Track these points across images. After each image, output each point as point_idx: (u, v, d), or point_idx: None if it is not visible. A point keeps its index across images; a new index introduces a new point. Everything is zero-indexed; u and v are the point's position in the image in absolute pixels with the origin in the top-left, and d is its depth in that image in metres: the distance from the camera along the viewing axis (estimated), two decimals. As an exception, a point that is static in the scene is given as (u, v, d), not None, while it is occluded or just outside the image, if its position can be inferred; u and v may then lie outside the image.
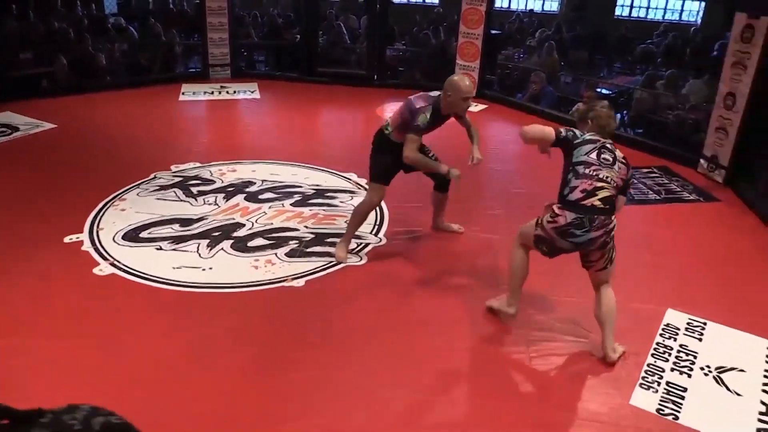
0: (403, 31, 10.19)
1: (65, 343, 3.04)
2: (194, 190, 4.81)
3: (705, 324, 3.41)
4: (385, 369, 2.97)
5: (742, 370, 3.07)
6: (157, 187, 4.83)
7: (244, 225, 4.27)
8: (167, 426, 2.53)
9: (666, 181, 5.42)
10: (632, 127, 7.17)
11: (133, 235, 4.10)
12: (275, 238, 4.11)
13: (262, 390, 2.80)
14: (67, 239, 4.02)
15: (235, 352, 3.05)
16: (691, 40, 10.70)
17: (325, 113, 7.51)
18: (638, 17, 14.46)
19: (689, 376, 3.01)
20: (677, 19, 14.29)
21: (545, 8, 14.63)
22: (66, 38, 8.03)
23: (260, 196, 4.72)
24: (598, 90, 7.70)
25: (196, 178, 5.03)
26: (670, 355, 3.15)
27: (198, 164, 5.30)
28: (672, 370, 3.04)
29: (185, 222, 4.29)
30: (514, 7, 14.35)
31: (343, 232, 4.08)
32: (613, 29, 11.91)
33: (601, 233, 2.91)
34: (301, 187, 4.91)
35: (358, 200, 4.67)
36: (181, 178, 5.01)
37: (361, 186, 4.96)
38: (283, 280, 3.65)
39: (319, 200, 4.70)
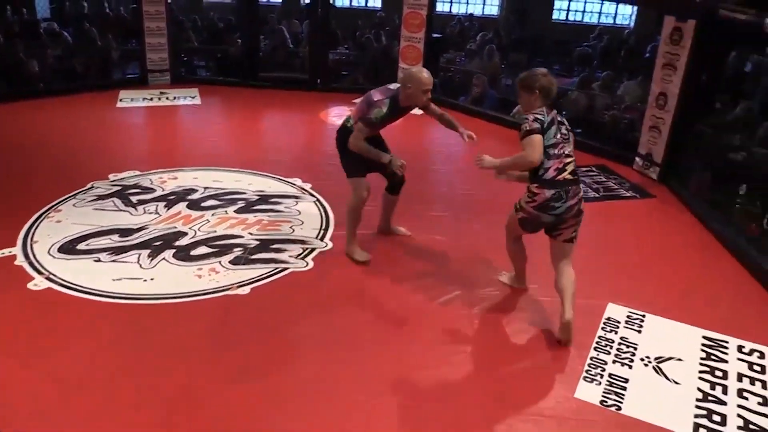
0: (346, 35, 10.19)
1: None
2: (134, 199, 4.68)
3: (644, 316, 3.52)
4: (333, 375, 2.95)
5: (679, 359, 3.18)
6: (95, 197, 4.68)
7: (186, 233, 4.18)
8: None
9: (604, 179, 5.58)
10: (570, 127, 7.33)
11: (69, 248, 3.96)
12: (219, 246, 4.03)
13: (206, 402, 2.74)
14: (-2, 253, 3.85)
15: (179, 364, 2.97)
16: (624, 42, 11.06)
17: (268, 118, 7.43)
18: (575, 21, 14.86)
19: (630, 367, 3.10)
20: (612, 22, 14.75)
21: (485, 12, 14.87)
22: (-6, 44, 7.70)
23: (203, 204, 4.63)
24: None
25: (135, 186, 4.90)
26: (611, 348, 3.24)
27: (137, 172, 5.16)
28: (614, 362, 3.13)
29: (125, 232, 4.17)
30: (455, 11, 14.53)
31: (289, 237, 4.05)
32: (551, 33, 12.21)
33: (576, 201, 3.25)
34: (244, 193, 4.84)
35: (303, 205, 4.66)
36: (119, 187, 4.87)
37: (306, 191, 4.93)
38: (228, 289, 3.58)
39: (264, 206, 4.64)
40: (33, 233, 4.11)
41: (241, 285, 3.62)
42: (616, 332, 3.37)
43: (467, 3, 14.81)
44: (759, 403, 2.89)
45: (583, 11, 14.95)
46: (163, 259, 3.87)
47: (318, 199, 4.79)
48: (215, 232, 4.22)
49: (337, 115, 7.16)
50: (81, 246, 3.98)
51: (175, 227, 4.26)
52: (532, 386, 2.97)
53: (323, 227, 4.36)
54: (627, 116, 6.65)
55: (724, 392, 2.96)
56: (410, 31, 7.71)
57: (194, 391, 2.80)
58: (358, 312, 3.49)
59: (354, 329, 3.32)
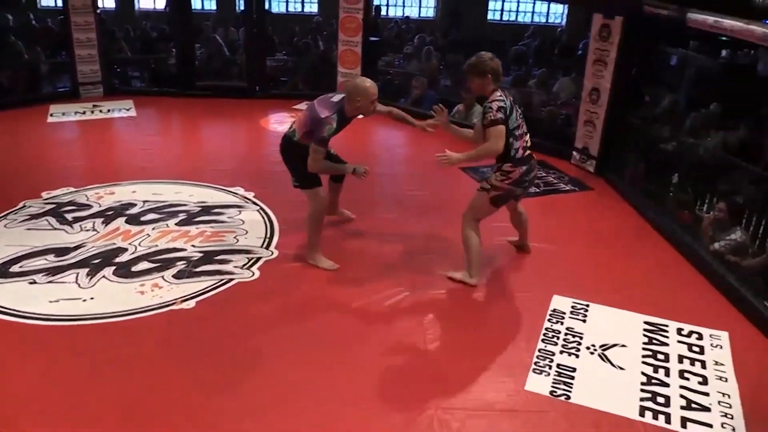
0: (283, 41, 10.11)
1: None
2: (69, 216, 4.51)
3: (588, 306, 3.61)
4: (286, 385, 2.92)
5: (623, 346, 3.28)
6: (27, 217, 4.49)
7: (126, 249, 4.06)
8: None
9: (544, 174, 5.70)
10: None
11: (2, 271, 3.78)
12: (161, 261, 3.93)
13: (156, 420, 2.66)
14: None
15: (124, 383, 2.88)
16: (557, 40, 11.37)
17: (207, 128, 7.29)
18: (509, 21, 15.19)
19: (577, 356, 3.18)
20: (544, 21, 15.14)
21: (422, 15, 15.03)
22: None
23: (142, 218, 4.50)
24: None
25: (70, 204, 4.73)
26: (558, 338, 3.31)
27: (72, 189, 4.98)
28: (561, 352, 3.20)
29: (61, 251, 4.02)
30: (391, 14, 14.63)
31: (233, 248, 4.00)
32: (488, 33, 12.44)
33: (537, 170, 3.80)
34: (185, 205, 4.74)
35: (246, 214, 4.60)
36: (53, 205, 4.69)
37: (249, 199, 4.86)
38: (172, 303, 3.49)
39: (206, 217, 4.55)
40: (-39, 258, 3.91)
41: (185, 299, 3.54)
42: (562, 323, 3.45)
43: (403, 6, 14.94)
44: (699, 383, 3.01)
45: (517, 11, 15.30)
46: (103, 277, 3.75)
47: (261, 208, 4.73)
48: (157, 246, 4.12)
49: (278, 121, 7.10)
50: (14, 268, 3.81)
51: (114, 243, 4.14)
52: (483, 381, 3.00)
53: (268, 236, 4.31)
54: (563, 112, 6.83)
55: (667, 374, 3.06)
56: (347, 35, 7.71)
57: (141, 408, 2.71)
58: (309, 317, 3.46)
59: (306, 334, 3.29)
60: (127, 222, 4.44)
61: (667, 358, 3.18)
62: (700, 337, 3.36)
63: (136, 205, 4.71)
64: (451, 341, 3.28)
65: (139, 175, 5.30)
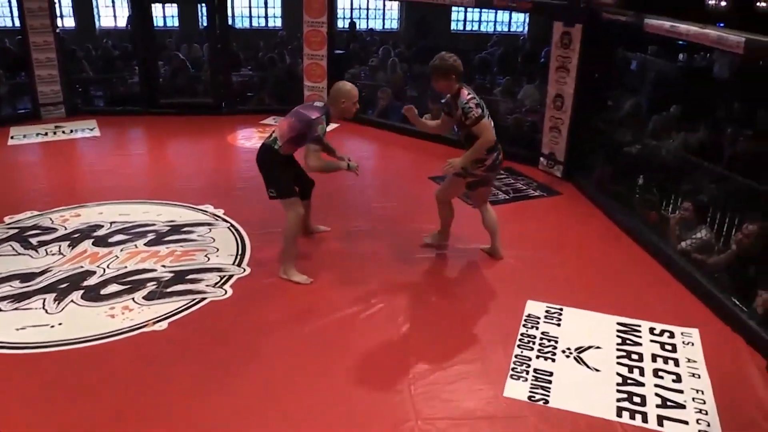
0: (248, 56, 10.07)
1: None
2: (34, 241, 4.40)
3: (561, 309, 3.65)
4: (261, 403, 2.88)
5: (598, 347, 3.32)
6: (-10, 243, 4.38)
7: (94, 272, 3.97)
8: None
9: (512, 181, 5.77)
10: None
11: (-36, 299, 3.68)
12: (131, 282, 3.86)
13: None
14: None
15: (96, 410, 2.81)
16: (521, 48, 11.54)
17: (173, 146, 7.21)
18: (472, 30, 15.39)
19: (553, 360, 3.20)
20: (507, 30, 15.37)
21: (386, 26, 15.13)
22: None
23: (110, 240, 4.42)
24: (443, 101, 8.05)
25: (34, 228, 4.61)
26: (534, 343, 3.33)
27: (36, 212, 4.87)
28: (537, 357, 3.22)
29: (26, 277, 3.91)
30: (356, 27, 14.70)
31: (204, 266, 3.96)
32: (452, 43, 12.57)
33: (503, 155, 4.02)
34: (154, 225, 4.66)
35: (217, 232, 4.55)
36: (17, 230, 4.57)
37: (219, 217, 4.81)
38: (144, 326, 3.43)
39: (176, 236, 4.48)
40: None
41: (157, 320, 3.47)
42: (537, 328, 3.47)
43: (367, 18, 15.02)
44: (673, 381, 3.05)
45: (480, 21, 15.51)
46: (71, 301, 3.66)
47: (232, 225, 4.68)
48: (126, 267, 4.04)
49: (246, 137, 7.06)
50: (-23, 296, 3.71)
51: (82, 267, 4.05)
52: (462, 389, 3.00)
53: (239, 253, 4.27)
54: (529, 119, 6.92)
55: (641, 374, 3.10)
56: (312, 49, 7.71)
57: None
58: (284, 333, 3.42)
59: (281, 350, 3.26)
60: (94, 244, 4.35)
61: (641, 358, 3.22)
62: (672, 335, 3.42)
63: (103, 226, 4.62)
64: (428, 350, 3.28)
65: (105, 195, 5.20)
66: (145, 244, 4.35)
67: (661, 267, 4.21)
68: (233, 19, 12.05)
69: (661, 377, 3.08)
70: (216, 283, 3.87)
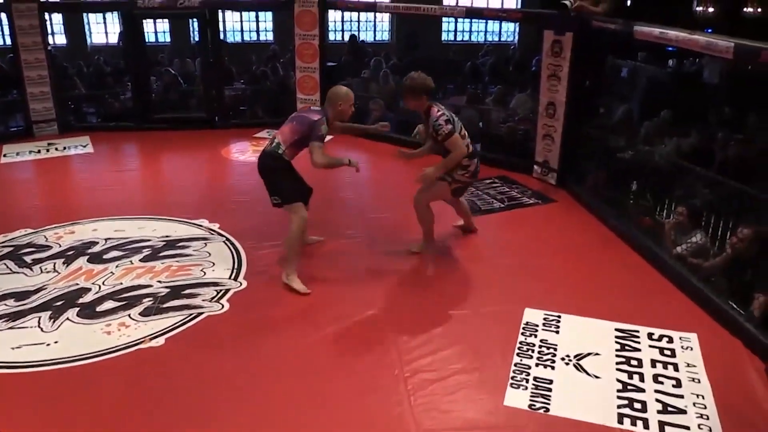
0: (240, 70, 10.08)
1: None
2: (28, 259, 4.38)
3: (559, 317, 3.64)
4: (262, 417, 2.86)
5: (597, 354, 3.31)
6: (-17, 262, 4.35)
7: (90, 289, 3.95)
8: None
9: (507, 189, 5.78)
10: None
11: (-42, 319, 3.65)
12: (127, 299, 3.84)
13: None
14: None
15: (94, 428, 2.78)
16: (511, 57, 11.60)
17: (167, 161, 7.20)
18: (463, 41, 15.47)
19: (553, 368, 3.19)
20: (497, 40, 15.46)
21: (377, 38, 15.19)
22: None
23: (105, 256, 4.40)
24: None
25: (28, 245, 4.59)
26: (533, 351, 3.32)
27: (30, 230, 4.84)
28: (537, 365, 3.21)
29: (21, 295, 3.89)
30: (347, 38, 14.75)
31: (201, 281, 3.95)
32: (443, 53, 12.64)
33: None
34: (149, 240, 4.64)
35: (212, 246, 4.53)
36: (11, 248, 4.54)
37: (214, 231, 4.79)
38: (141, 342, 3.40)
39: (171, 251, 4.46)
40: None
41: (154, 336, 3.45)
42: (535, 336, 3.47)
43: (359, 30, 15.08)
44: (673, 386, 3.05)
45: (470, 31, 15.60)
46: (67, 319, 3.64)
47: (228, 239, 4.67)
48: (121, 284, 4.02)
49: (240, 150, 7.05)
50: (-28, 316, 3.68)
51: (77, 284, 4.03)
52: (463, 400, 2.99)
53: (236, 267, 4.25)
54: (522, 127, 6.94)
55: (641, 380, 3.10)
56: (305, 62, 7.74)
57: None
58: (282, 347, 3.41)
59: (280, 364, 3.24)
60: (89, 261, 4.33)
61: (640, 364, 3.22)
62: (671, 340, 3.42)
63: (97, 243, 4.60)
64: (426, 362, 3.26)
65: (99, 212, 5.19)
66: (140, 260, 4.34)
67: (657, 272, 4.21)
68: (225, 34, 12.06)
69: (661, 382, 3.08)
70: (213, 298, 3.85)
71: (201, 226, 4.91)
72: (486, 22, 15.23)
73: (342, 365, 3.25)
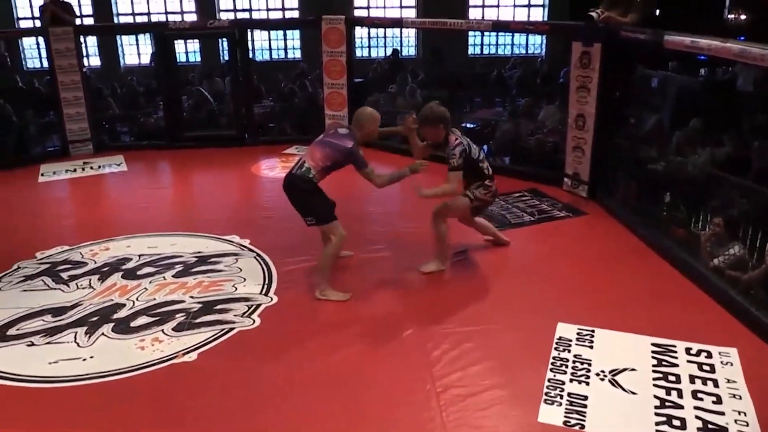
0: (269, 88, 10.22)
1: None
2: (65, 275, 4.47)
3: (593, 331, 3.58)
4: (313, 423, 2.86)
5: (633, 370, 3.24)
6: (22, 278, 4.44)
7: (124, 305, 4.01)
8: None
9: (537, 202, 5.73)
10: (498, 155, 7.59)
11: (-2, 335, 3.73)
12: (160, 314, 3.88)
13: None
14: None
15: (129, 443, 2.82)
16: (539, 70, 11.56)
17: (199, 178, 7.31)
18: (490, 54, 15.47)
19: (587, 384, 3.13)
20: (524, 53, 15.43)
21: (404, 54, 15.27)
22: None
23: (139, 272, 4.47)
24: (463, 124, 8.09)
25: (65, 262, 4.69)
26: (566, 366, 3.27)
27: (66, 247, 4.95)
28: (571, 381, 3.16)
29: (58, 311, 3.96)
30: (374, 55, 14.88)
31: (232, 296, 4.00)
32: (469, 67, 12.65)
33: None
34: (182, 256, 4.71)
35: (243, 262, 4.57)
36: (48, 265, 4.65)
37: (245, 247, 4.84)
38: (174, 357, 3.44)
39: (203, 267, 4.52)
40: (-44, 325, 3.85)
41: (187, 351, 3.49)
42: (569, 351, 3.41)
43: (385, 47, 15.19)
44: (713, 402, 2.96)
45: (497, 44, 15.60)
46: (102, 334, 3.70)
47: (258, 254, 4.70)
48: (155, 299, 4.07)
49: (269, 167, 7.12)
50: (11, 331, 3.75)
51: (112, 300, 4.09)
52: (495, 415, 2.95)
53: (266, 282, 4.28)
54: (550, 139, 6.89)
55: (680, 396, 3.02)
56: (332, 78, 7.81)
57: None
58: (314, 362, 3.40)
59: (312, 379, 3.24)
60: (123, 277, 4.40)
61: (678, 380, 3.14)
62: (710, 355, 3.33)
63: (131, 259, 4.68)
64: (458, 377, 3.23)
65: (133, 229, 5.28)
66: (173, 276, 4.39)
67: (693, 285, 4.12)
68: (253, 53, 12.27)
69: (701, 399, 2.99)
70: (244, 313, 3.88)
71: (232, 242, 4.96)
72: (512, 35, 15.21)
73: (372, 380, 3.24)
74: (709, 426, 2.81)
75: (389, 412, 3.00)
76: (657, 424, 2.84)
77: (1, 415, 3.04)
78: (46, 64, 8.26)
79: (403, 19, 8.03)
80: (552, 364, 3.29)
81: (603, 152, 5.64)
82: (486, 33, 14.64)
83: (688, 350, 3.38)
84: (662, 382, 3.12)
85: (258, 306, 3.97)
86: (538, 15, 15.33)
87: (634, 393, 3.06)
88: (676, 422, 2.84)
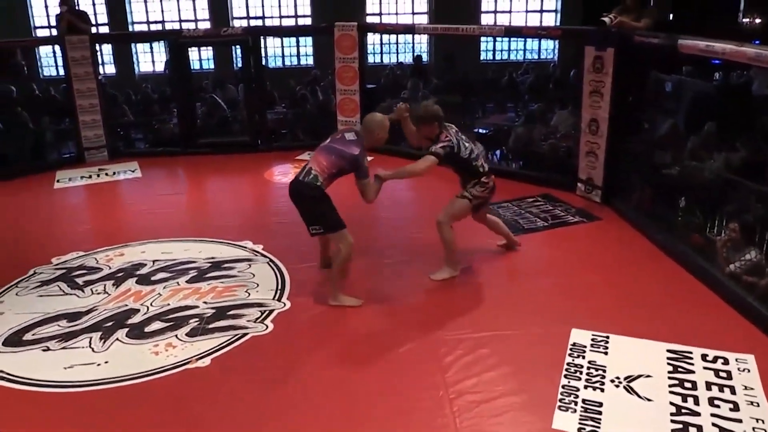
0: (282, 94, 10.27)
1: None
2: (80, 281, 4.51)
3: (608, 337, 3.55)
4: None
5: (648, 376, 3.21)
6: (38, 284, 4.49)
7: (138, 310, 4.04)
8: None
9: (550, 208, 5.70)
10: (512, 160, 7.56)
11: (15, 339, 3.76)
12: (174, 319, 3.91)
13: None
14: (-64, 356, 3.62)
15: (143, 448, 2.83)
16: (551, 75, 11.51)
17: (212, 184, 7.35)
18: (502, 59, 15.43)
19: (602, 390, 3.11)
20: (537, 57, 15.37)
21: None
22: None
23: (153, 278, 4.49)
24: (476, 130, 8.09)
25: (80, 268, 4.73)
26: (581, 373, 3.24)
27: (81, 253, 4.99)
28: (585, 387, 3.13)
29: (73, 316, 4.00)
30: (386, 61, 14.89)
31: (245, 302, 4.00)
32: (482, 73, 12.62)
33: None
34: (195, 262, 4.73)
35: (256, 267, 4.58)
36: (64, 270, 4.69)
37: (258, 252, 4.85)
38: (188, 362, 3.45)
39: (216, 273, 4.54)
40: (-26, 330, 3.89)
41: (200, 357, 3.50)
42: (583, 357, 3.38)
43: (397, 53, 15.21)
44: (731, 409, 2.93)
45: (509, 50, 15.56)
46: (117, 339, 3.72)
47: (271, 260, 4.72)
48: (168, 305, 4.10)
49: (282, 173, 7.15)
50: (27, 336, 3.79)
51: (126, 305, 4.12)
52: (509, 422, 2.94)
53: (279, 287, 4.29)
54: (564, 144, 6.86)
55: (696, 403, 2.99)
56: (345, 84, 7.84)
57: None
58: (326, 368, 3.41)
59: (325, 386, 3.24)
60: (137, 282, 4.43)
61: (694, 386, 3.11)
62: (726, 361, 3.29)
63: (146, 265, 4.71)
64: (471, 383, 3.22)
65: (147, 235, 5.32)
66: (187, 281, 4.42)
67: (708, 290, 4.08)
68: (266, 59, 12.34)
69: (718, 406, 2.96)
70: (257, 319, 3.89)
71: (245, 247, 4.98)
72: (525, 41, 15.17)
73: (385, 386, 3.23)
74: (727, 433, 2.78)
75: (402, 418, 2.99)
76: (673, 431, 2.81)
77: (17, 419, 3.07)
78: (62, 72, 8.34)
79: (415, 25, 8.05)
80: (566, 370, 3.26)
81: (617, 157, 5.61)
82: (498, 39, 14.65)
83: (704, 357, 3.34)
84: (678, 389, 3.09)
85: (271, 311, 3.97)
86: (550, 20, 15.28)
87: (649, 400, 3.03)
88: (693, 429, 2.81)
